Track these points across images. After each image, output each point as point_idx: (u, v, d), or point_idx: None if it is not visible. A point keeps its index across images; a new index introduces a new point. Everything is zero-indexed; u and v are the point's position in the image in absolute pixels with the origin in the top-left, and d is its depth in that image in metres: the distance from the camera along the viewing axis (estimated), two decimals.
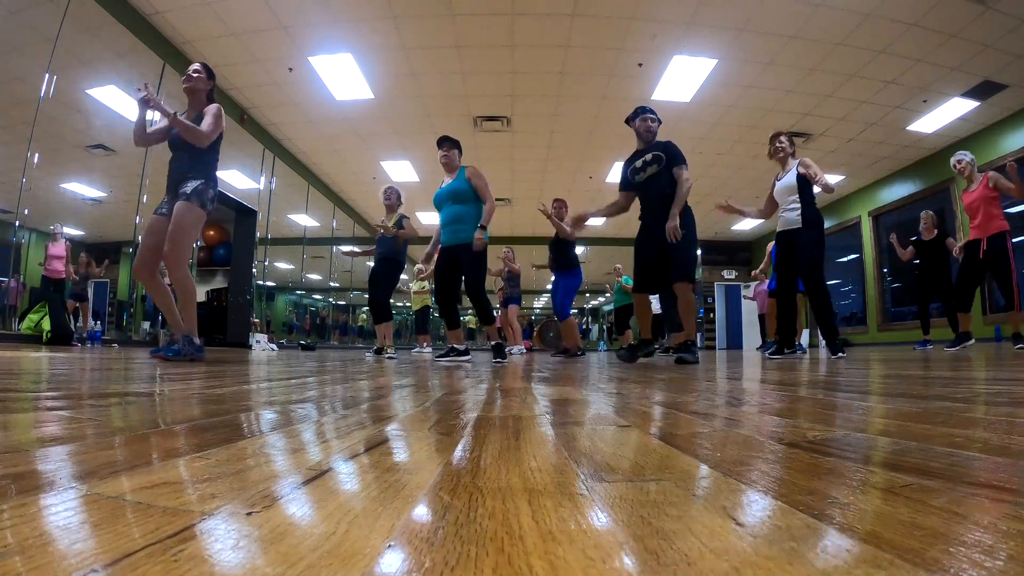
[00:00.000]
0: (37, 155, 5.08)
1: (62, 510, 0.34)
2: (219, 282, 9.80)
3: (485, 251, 3.87)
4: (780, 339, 4.30)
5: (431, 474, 0.47)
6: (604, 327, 18.31)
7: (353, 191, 11.49)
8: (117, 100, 5.75)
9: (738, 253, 15.05)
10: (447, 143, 4.10)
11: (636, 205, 3.86)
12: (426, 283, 7.76)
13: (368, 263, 7.14)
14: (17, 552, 0.26)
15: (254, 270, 8.75)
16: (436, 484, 0.43)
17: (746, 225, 13.24)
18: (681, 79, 6.71)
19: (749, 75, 6.61)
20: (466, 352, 3.93)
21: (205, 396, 1.12)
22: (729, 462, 0.52)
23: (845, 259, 11.57)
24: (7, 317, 5.57)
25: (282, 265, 11.52)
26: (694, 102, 7.26)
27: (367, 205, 12.19)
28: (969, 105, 7.13)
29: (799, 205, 4.01)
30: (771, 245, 5.90)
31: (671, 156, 3.58)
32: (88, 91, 5.58)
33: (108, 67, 5.64)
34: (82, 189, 6.73)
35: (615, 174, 9.40)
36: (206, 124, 2.96)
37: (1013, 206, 8.11)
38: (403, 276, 5.65)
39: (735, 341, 14.69)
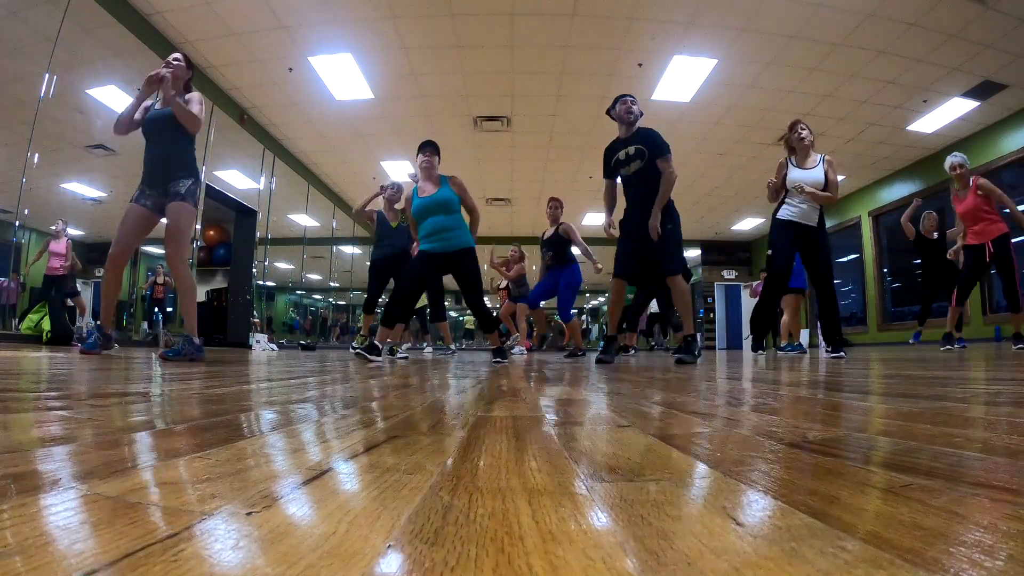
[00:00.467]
0: (37, 155, 5.08)
1: (62, 510, 0.34)
2: (219, 282, 9.80)
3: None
4: (758, 333, 4.28)
5: (431, 474, 0.47)
6: (604, 326, 18.30)
7: (353, 191, 11.48)
8: (117, 100, 5.74)
9: (738, 253, 15.04)
10: (431, 148, 3.94)
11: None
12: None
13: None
14: (17, 552, 0.26)
15: (254, 270, 8.75)
16: (436, 484, 0.43)
17: (746, 225, 13.25)
18: (681, 79, 6.71)
19: (749, 75, 6.61)
20: (379, 352, 3.63)
21: (205, 396, 1.12)
22: (729, 462, 0.52)
23: (845, 259, 11.57)
24: (7, 317, 5.56)
25: (282, 265, 11.52)
26: (694, 102, 7.26)
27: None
28: (969, 105, 7.12)
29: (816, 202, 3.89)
30: None
31: (655, 148, 3.40)
32: (88, 91, 5.57)
33: (108, 67, 5.64)
34: (82, 189, 6.72)
35: None
36: (195, 110, 3.06)
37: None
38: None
39: (735, 341, 14.69)
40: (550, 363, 3.86)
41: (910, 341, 6.09)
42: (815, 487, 0.42)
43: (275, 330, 10.95)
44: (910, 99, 7.04)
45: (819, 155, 4.01)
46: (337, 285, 13.41)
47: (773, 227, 4.10)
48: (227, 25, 5.77)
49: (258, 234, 8.77)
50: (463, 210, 3.98)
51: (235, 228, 8.99)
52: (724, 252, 15.04)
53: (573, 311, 6.32)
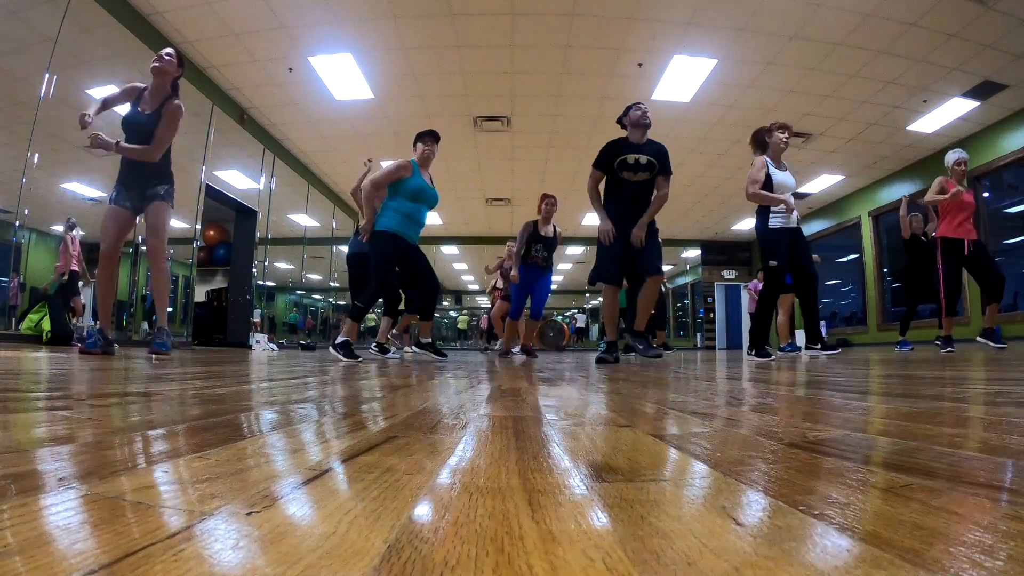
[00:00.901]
0: (37, 155, 5.08)
1: (62, 510, 0.34)
2: (219, 282, 9.80)
3: None
4: (760, 338, 4.29)
5: (431, 474, 0.47)
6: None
7: None
8: None
9: (738, 253, 15.05)
10: (434, 138, 3.96)
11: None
12: None
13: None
14: (17, 552, 0.26)
15: (254, 270, 8.75)
16: (436, 484, 0.43)
17: (746, 225, 13.25)
18: (681, 79, 6.71)
19: (749, 75, 6.61)
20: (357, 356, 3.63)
21: (205, 396, 1.12)
22: (729, 462, 0.52)
23: (845, 259, 11.58)
24: (7, 317, 5.56)
25: (282, 265, 11.52)
26: (694, 102, 7.26)
27: None
28: (969, 105, 7.13)
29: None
30: None
31: (665, 167, 3.60)
32: (88, 91, 5.57)
33: (108, 67, 5.64)
34: (82, 189, 6.72)
35: None
36: (160, 134, 3.17)
37: (1013, 206, 8.14)
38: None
39: (735, 341, 14.70)
40: (548, 363, 3.86)
41: (897, 349, 5.99)
42: (815, 487, 0.42)
43: (276, 329, 10.95)
44: (910, 99, 7.04)
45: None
46: (337, 285, 13.41)
47: (770, 236, 4.02)
48: (227, 25, 5.77)
49: (258, 234, 8.77)
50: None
51: (235, 228, 8.99)
52: (724, 252, 15.05)
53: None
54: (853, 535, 0.30)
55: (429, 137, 3.95)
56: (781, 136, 4.11)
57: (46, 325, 4.89)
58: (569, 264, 17.05)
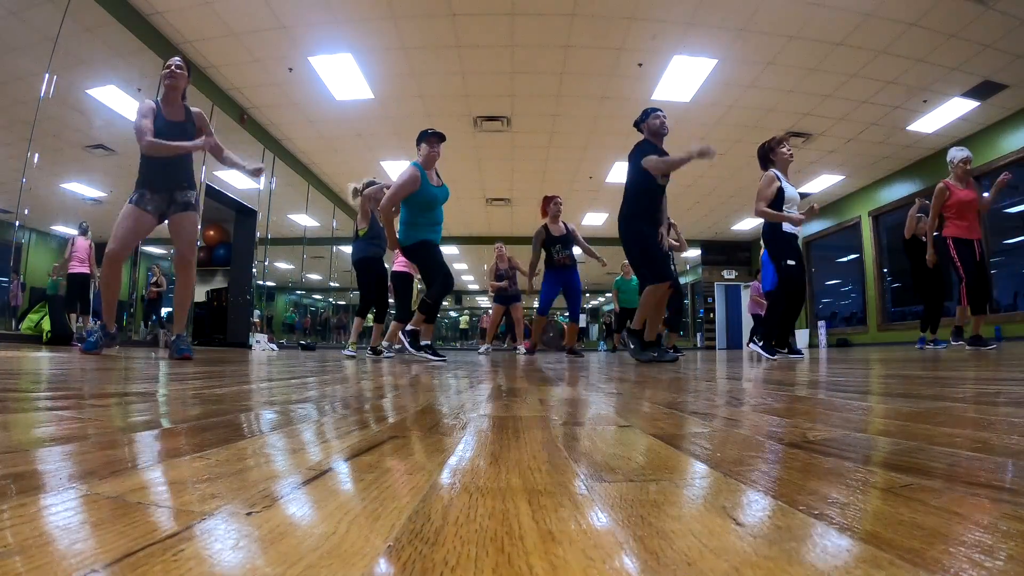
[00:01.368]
0: (37, 155, 5.08)
1: (62, 510, 0.34)
2: (219, 282, 9.80)
3: None
4: (781, 336, 4.33)
5: (431, 474, 0.47)
6: (604, 327, 18.31)
7: None
8: (117, 100, 5.74)
9: (738, 253, 15.05)
10: (439, 139, 4.04)
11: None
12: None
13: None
14: (17, 552, 0.26)
15: (254, 270, 8.75)
16: (436, 484, 0.43)
17: (746, 225, 13.25)
18: (681, 79, 6.71)
19: (749, 75, 6.61)
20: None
21: (205, 396, 1.12)
22: (729, 462, 0.52)
23: (845, 259, 11.57)
24: (7, 317, 5.56)
25: (282, 265, 11.52)
26: (694, 102, 7.25)
27: None
28: (969, 105, 7.12)
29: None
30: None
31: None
32: (88, 91, 5.57)
33: (108, 67, 5.64)
34: (82, 189, 6.72)
35: (615, 174, 9.39)
36: (208, 138, 3.39)
37: (1013, 206, 8.13)
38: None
39: (735, 341, 14.70)
40: (549, 363, 3.86)
41: (917, 347, 6.02)
42: (815, 487, 0.42)
43: (275, 330, 10.95)
44: (910, 99, 7.04)
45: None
46: (337, 285, 13.41)
47: (783, 238, 4.18)
48: (227, 25, 5.77)
49: (258, 234, 8.76)
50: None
51: (235, 228, 8.99)
52: (724, 252, 15.06)
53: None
54: (853, 535, 0.30)
55: (435, 138, 4.00)
56: (784, 152, 4.25)
57: (46, 325, 4.89)
58: None
